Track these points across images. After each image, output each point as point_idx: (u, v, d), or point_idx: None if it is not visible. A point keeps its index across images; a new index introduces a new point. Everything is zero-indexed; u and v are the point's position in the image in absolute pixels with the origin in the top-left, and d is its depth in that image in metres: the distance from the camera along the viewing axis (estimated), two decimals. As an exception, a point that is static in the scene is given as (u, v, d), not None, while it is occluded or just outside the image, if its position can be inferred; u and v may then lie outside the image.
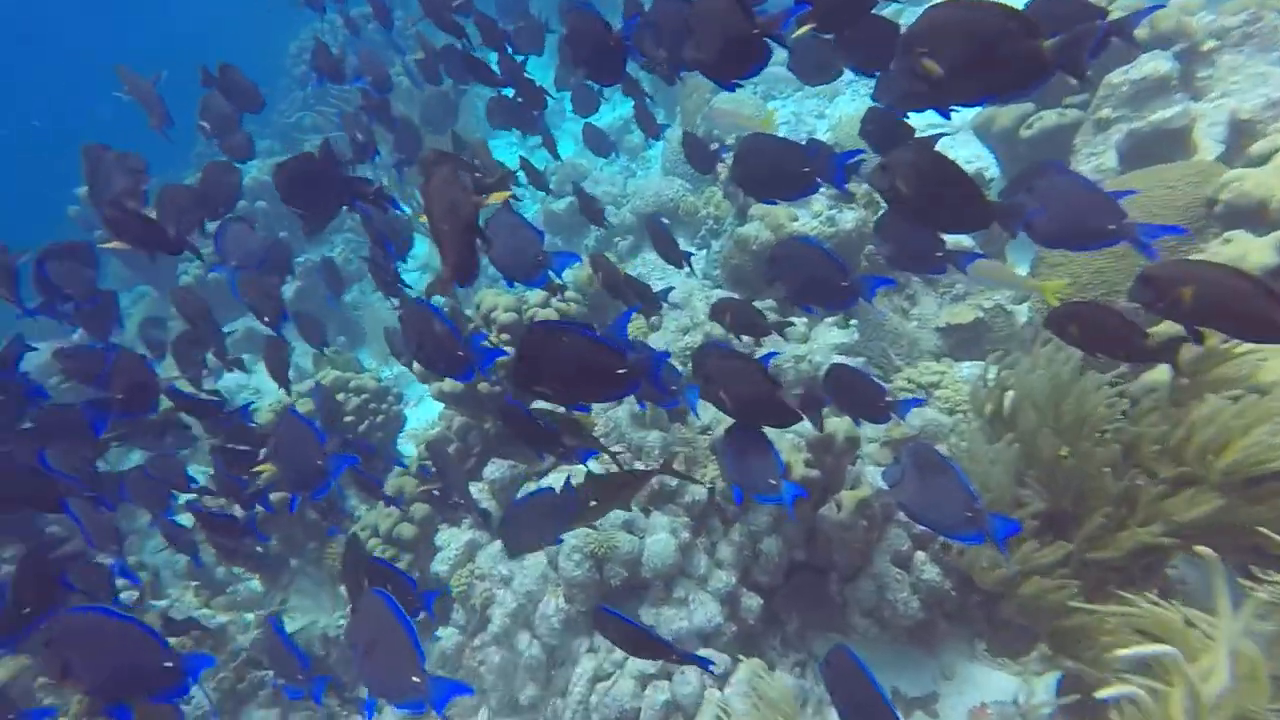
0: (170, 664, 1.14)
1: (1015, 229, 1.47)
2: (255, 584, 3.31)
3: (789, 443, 2.27)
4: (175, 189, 2.40)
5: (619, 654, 2.20)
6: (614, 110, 6.44)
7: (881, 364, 2.95)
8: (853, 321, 2.93)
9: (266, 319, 2.30)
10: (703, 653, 2.22)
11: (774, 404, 1.53)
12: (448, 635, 2.56)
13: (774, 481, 1.57)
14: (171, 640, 2.61)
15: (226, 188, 2.45)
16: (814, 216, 3.11)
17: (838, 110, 5.13)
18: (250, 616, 3.08)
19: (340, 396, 3.60)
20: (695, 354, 2.07)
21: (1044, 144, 3.22)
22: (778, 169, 1.75)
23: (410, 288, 2.96)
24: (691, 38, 1.52)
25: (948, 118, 1.52)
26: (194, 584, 3.22)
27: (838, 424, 2.29)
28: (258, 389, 4.95)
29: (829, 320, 2.80)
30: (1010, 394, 2.03)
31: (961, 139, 3.86)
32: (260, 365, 5.17)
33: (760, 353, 2.71)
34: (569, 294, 3.15)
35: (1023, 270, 2.88)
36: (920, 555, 2.24)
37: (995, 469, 1.83)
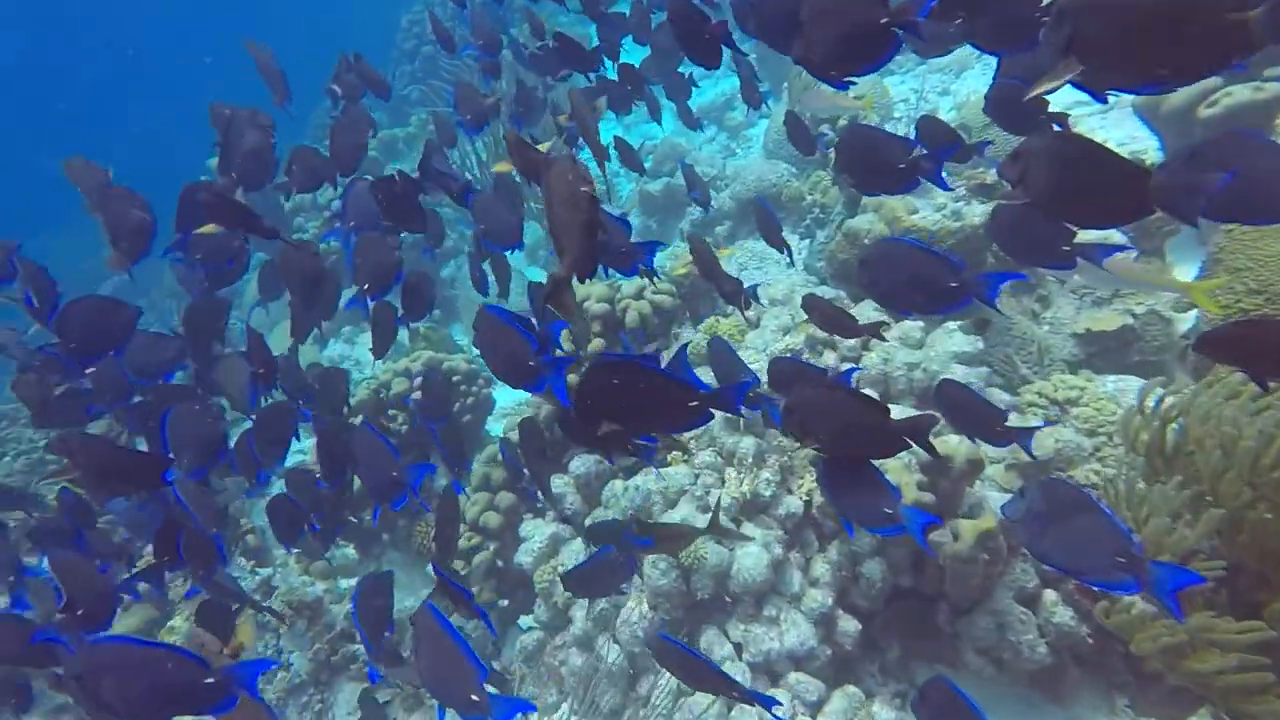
0: (212, 679, 1.15)
1: (1193, 214, 1.15)
2: (351, 551, 3.43)
3: (899, 461, 2.07)
4: (306, 150, 2.51)
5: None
6: (715, 86, 6.19)
7: (1006, 373, 2.65)
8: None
9: (366, 286, 2.22)
10: (794, 677, 2.09)
11: (875, 432, 1.31)
12: (528, 626, 2.54)
13: (890, 510, 1.39)
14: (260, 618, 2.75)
15: (355, 148, 2.52)
16: (936, 209, 2.82)
17: (964, 86, 4.68)
18: (345, 585, 3.20)
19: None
20: (770, 374, 1.90)
21: (1229, 126, 2.72)
22: (876, 163, 1.58)
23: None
24: (804, 29, 1.34)
25: (1103, 101, 1.27)
26: (295, 550, 3.36)
27: (957, 445, 2.06)
28: (358, 360, 5.12)
29: (951, 324, 2.53)
30: (1174, 426, 1.74)
31: (1114, 118, 3.41)
32: (360, 338, 5.38)
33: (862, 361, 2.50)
34: (662, 285, 3.02)
35: (1189, 274, 2.50)
36: (1050, 595, 2.00)
37: (1173, 519, 1.53)
